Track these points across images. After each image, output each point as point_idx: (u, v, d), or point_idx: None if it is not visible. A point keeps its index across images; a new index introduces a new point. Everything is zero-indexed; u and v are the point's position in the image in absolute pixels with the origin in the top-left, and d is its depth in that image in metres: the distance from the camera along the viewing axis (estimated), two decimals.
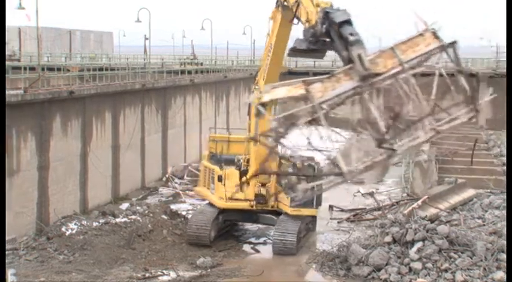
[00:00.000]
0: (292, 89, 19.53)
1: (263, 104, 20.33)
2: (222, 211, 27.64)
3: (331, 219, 31.69)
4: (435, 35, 20.26)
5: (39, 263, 24.16)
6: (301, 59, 57.70)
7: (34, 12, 30.88)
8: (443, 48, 20.06)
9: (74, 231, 27.45)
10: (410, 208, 26.97)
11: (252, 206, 27.32)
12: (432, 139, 21.22)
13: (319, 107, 18.84)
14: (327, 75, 19.55)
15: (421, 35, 20.25)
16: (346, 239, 26.39)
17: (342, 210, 33.06)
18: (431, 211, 27.45)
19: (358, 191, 37.15)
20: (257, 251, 27.22)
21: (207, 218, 27.18)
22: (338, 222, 31.12)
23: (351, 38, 19.58)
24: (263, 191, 27.21)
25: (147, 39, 54.51)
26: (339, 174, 19.66)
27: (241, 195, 27.11)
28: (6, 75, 32.43)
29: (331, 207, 33.19)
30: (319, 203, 27.51)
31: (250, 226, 29.80)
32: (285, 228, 26.31)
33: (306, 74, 51.03)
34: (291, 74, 41.34)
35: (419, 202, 27.95)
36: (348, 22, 19.86)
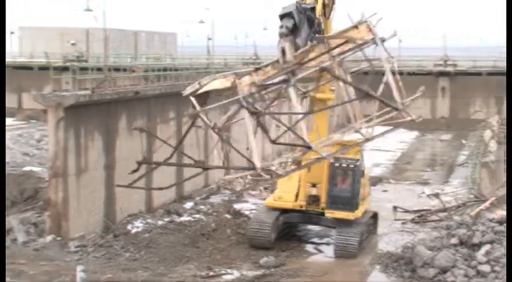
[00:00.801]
0: (224, 81, 19.65)
1: (199, 96, 20.24)
2: (283, 212, 27.31)
3: (395, 220, 31.35)
4: (369, 28, 19.94)
5: (106, 260, 24.62)
6: None
7: (101, 14, 31.45)
8: (374, 41, 19.80)
9: (139, 230, 27.89)
10: (477, 210, 26.52)
11: (301, 206, 27.07)
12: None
13: (244, 100, 18.79)
14: (254, 68, 19.66)
15: (355, 27, 20.10)
16: (411, 241, 26.06)
17: (406, 211, 32.65)
18: (500, 213, 26.88)
19: (423, 192, 36.66)
20: (320, 251, 27.10)
21: (267, 220, 26.86)
22: (402, 223, 30.76)
23: (279, 31, 19.96)
24: (314, 191, 27.05)
25: (210, 39, 54.92)
26: (251, 168, 19.64)
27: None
28: (74, 76, 33.21)
29: (395, 208, 32.84)
30: (355, 207, 26.56)
31: (313, 226, 29.66)
32: (347, 230, 25.95)
33: None
34: None
35: (487, 204, 27.45)
36: (289, 15, 20.13)
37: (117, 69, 42.17)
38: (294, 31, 20.57)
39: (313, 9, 21.81)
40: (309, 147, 20.08)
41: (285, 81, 19.90)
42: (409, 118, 20.49)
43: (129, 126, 30.52)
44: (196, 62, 55.10)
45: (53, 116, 25.83)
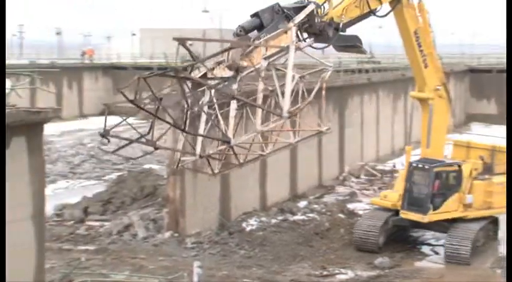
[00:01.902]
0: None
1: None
2: (393, 215, 26.47)
3: None
4: (291, 33, 19.95)
5: (222, 256, 25.06)
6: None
7: (217, 15, 32.00)
8: (298, 48, 19.96)
9: (253, 228, 28.22)
10: None
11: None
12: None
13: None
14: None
15: (285, 32, 20.15)
16: None
17: None
18: None
19: None
20: (436, 253, 26.52)
21: (375, 223, 26.15)
22: None
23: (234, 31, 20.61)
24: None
25: None
26: (225, 140, 19.96)
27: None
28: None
29: None
30: (427, 209, 25.38)
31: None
32: (459, 235, 25.01)
33: None
34: None
35: None
36: (256, 15, 20.67)
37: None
38: (260, 31, 20.89)
39: (298, 8, 21.73)
40: (228, 142, 20.22)
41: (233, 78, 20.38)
42: (323, 128, 21.62)
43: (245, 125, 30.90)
44: (312, 61, 55.09)
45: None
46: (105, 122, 18.74)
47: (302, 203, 32.67)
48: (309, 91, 21.53)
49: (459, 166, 26.05)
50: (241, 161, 22.27)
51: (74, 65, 76.57)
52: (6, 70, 16.82)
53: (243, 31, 20.90)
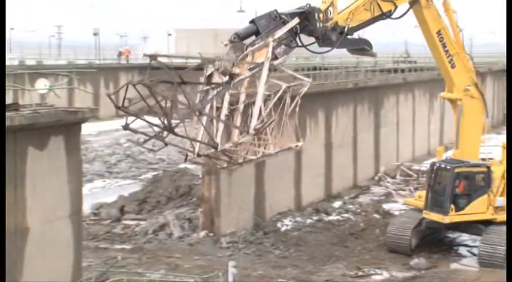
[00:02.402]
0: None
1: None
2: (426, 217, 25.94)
3: None
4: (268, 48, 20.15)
5: (257, 256, 25.10)
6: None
7: (253, 14, 32.05)
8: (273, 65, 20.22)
9: (288, 227, 28.25)
10: None
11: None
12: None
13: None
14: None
15: (266, 46, 20.35)
16: None
17: None
18: None
19: None
20: (474, 255, 26.20)
21: (407, 225, 25.78)
22: None
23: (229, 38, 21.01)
24: None
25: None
26: (212, 145, 20.14)
27: None
28: None
29: None
30: (447, 210, 24.79)
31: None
32: (493, 239, 24.41)
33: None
34: None
35: None
36: (253, 21, 21.12)
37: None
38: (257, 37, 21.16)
39: (296, 14, 21.89)
40: (215, 147, 20.39)
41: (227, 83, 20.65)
42: (293, 145, 21.43)
43: None
44: (346, 60, 54.92)
45: None
46: (127, 117, 19.07)
47: (337, 203, 32.59)
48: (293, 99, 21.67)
49: (488, 167, 25.58)
50: (240, 161, 22.51)
51: (111, 65, 77.31)
52: (46, 70, 17.11)
53: (238, 38, 21.22)
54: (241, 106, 21.17)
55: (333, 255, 25.55)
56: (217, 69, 21.13)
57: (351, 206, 31.91)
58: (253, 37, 21.17)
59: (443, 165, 25.44)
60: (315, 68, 44.47)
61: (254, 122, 19.77)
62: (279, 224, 28.47)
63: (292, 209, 30.94)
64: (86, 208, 28.50)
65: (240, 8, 34.10)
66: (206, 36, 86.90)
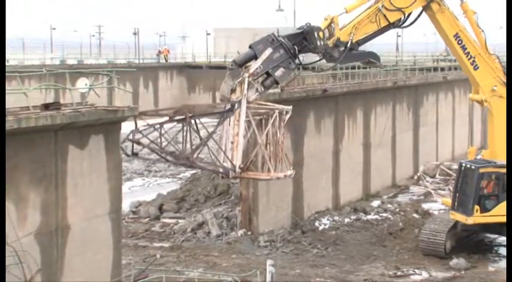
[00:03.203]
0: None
1: None
2: None
3: None
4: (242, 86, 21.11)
5: (295, 255, 25.10)
6: None
7: (291, 14, 32.05)
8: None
9: (326, 227, 28.19)
10: None
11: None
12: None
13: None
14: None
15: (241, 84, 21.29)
16: None
17: None
18: None
19: None
20: None
21: (442, 228, 25.16)
22: None
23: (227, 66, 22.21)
24: None
25: (399, 36, 54.12)
26: (223, 173, 21.12)
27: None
28: None
29: None
30: (470, 211, 24.25)
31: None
32: None
33: None
34: None
35: None
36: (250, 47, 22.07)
37: (305, 68, 42.64)
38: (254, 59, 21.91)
39: (293, 35, 22.61)
40: (227, 175, 21.33)
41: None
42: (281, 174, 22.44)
43: (317, 123, 30.93)
44: (385, 59, 54.62)
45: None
46: (136, 125, 20.43)
47: (375, 203, 32.42)
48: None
49: None
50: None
51: (150, 64, 77.94)
52: (86, 70, 17.26)
53: (235, 64, 21.79)
54: (236, 138, 21.63)
55: (371, 255, 25.41)
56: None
57: (389, 206, 31.69)
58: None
59: (468, 165, 24.98)
60: (353, 67, 44.19)
61: (239, 162, 20.96)
62: (316, 223, 28.43)
63: (330, 208, 30.87)
64: (125, 206, 28.81)
65: (279, 7, 34.09)
66: (245, 36, 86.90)
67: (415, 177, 39.32)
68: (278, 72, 22.07)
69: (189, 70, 76.00)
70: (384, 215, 30.05)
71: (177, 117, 21.28)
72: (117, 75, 19.66)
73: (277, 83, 22.56)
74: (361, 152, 34.71)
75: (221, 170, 21.31)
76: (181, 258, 24.28)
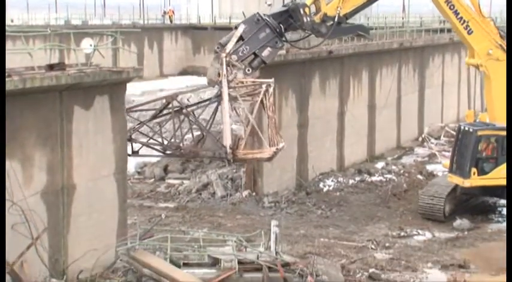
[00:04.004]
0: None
1: None
2: None
3: None
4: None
5: (299, 216, 25.27)
6: None
7: None
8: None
9: (330, 188, 28.31)
10: None
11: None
12: None
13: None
14: None
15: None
16: None
17: None
18: None
19: None
20: None
21: (441, 191, 25.01)
22: None
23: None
24: None
25: None
26: (221, 157, 21.79)
27: None
28: None
29: None
30: (467, 174, 24.10)
31: None
32: None
33: None
34: None
35: None
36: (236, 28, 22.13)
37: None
38: (241, 40, 21.91)
39: (278, 14, 22.52)
40: (227, 158, 21.82)
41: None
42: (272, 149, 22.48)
43: (322, 85, 30.84)
44: (391, 20, 54.23)
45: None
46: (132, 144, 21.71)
47: (380, 164, 32.50)
48: None
49: None
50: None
51: (155, 25, 77.50)
52: (91, 30, 17.21)
53: (221, 47, 21.72)
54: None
55: (375, 216, 25.56)
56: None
57: (393, 167, 31.76)
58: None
59: (467, 128, 24.86)
60: None
61: (228, 142, 21.62)
62: (321, 185, 28.55)
63: (335, 170, 30.96)
64: (130, 167, 28.88)
65: None
66: None
67: (420, 139, 39.30)
68: (265, 53, 22.19)
69: (194, 31, 75.58)
70: (388, 176, 30.13)
71: (166, 112, 21.71)
72: (121, 36, 19.60)
73: (264, 63, 22.46)
74: (366, 113, 34.66)
75: (216, 154, 21.61)
76: (186, 219, 24.48)
